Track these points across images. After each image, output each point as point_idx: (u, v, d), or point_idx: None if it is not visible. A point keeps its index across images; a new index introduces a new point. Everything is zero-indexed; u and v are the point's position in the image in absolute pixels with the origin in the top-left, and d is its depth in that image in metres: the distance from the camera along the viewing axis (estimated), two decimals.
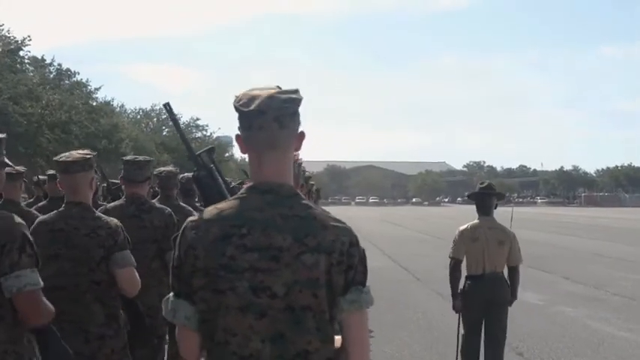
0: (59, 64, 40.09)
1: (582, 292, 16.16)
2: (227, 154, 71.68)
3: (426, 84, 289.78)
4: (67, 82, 40.69)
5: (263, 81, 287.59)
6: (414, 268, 20.61)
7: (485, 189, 7.98)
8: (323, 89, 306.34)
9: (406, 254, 25.30)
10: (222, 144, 73.76)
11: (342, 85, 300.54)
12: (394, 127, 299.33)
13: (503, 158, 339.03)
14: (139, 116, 60.90)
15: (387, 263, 22.50)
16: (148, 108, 62.05)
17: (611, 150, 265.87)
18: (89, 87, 41.67)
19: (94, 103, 41.69)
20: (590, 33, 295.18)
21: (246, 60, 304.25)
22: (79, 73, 40.97)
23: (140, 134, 50.87)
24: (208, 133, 66.71)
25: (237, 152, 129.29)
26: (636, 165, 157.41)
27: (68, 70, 40.16)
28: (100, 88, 42.41)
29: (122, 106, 53.84)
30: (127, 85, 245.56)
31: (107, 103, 43.31)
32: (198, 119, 64.88)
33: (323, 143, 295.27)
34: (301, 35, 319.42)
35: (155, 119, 62.26)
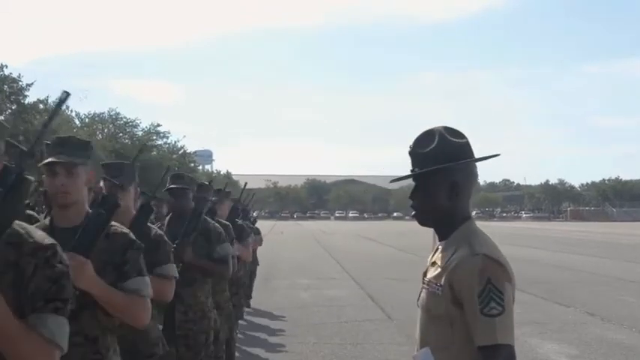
0: None
1: (623, 340, 11.16)
2: (193, 165, 66.33)
3: (408, 99, 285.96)
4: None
5: (244, 95, 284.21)
6: (385, 300, 15.64)
7: None
8: (304, 103, 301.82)
9: (378, 278, 20.30)
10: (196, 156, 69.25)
11: (323, 100, 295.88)
12: (376, 142, 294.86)
13: (486, 172, 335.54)
14: (87, 120, 55.27)
15: (351, 292, 17.46)
16: (103, 112, 56.63)
17: (594, 166, 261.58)
18: (20, 83, 36.14)
19: (26, 102, 36.36)
20: (573, 51, 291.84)
21: (228, 74, 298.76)
22: (6, 66, 35.37)
23: (88, 139, 45.24)
24: (171, 141, 61.31)
25: (210, 166, 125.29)
26: (624, 179, 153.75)
27: None
28: (32, 84, 36.82)
29: (69, 108, 48.19)
30: (111, 98, 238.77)
31: (41, 102, 37.57)
32: (159, 125, 59.24)
33: (304, 157, 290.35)
34: (283, 50, 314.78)
35: (111, 125, 56.81)
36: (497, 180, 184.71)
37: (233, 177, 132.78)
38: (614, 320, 12.97)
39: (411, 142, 2.86)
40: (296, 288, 18.12)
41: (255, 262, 13.44)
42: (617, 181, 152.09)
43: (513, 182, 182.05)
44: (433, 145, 2.78)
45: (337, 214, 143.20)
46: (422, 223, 2.90)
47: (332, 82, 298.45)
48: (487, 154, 2.95)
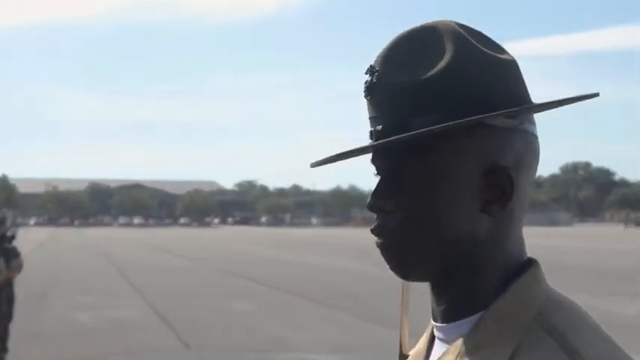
0: None
1: None
2: None
3: (192, 103, 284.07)
4: None
5: (23, 95, 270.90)
6: (180, 323, 13.54)
7: None
8: (89, 104, 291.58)
9: (170, 295, 18.13)
10: None
11: (104, 102, 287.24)
12: (163, 146, 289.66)
13: (275, 177, 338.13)
14: None
15: (140, 312, 15.19)
16: None
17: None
18: None
19: None
20: (359, 54, 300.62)
21: (5, 71, 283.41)
22: None
23: None
24: None
25: None
26: None
27: None
28: None
29: None
30: None
31: None
32: None
33: (86, 161, 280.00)
34: (62, 47, 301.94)
35: None
36: (287, 185, 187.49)
37: (9, 181, 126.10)
38: None
39: (371, 62, 1.08)
40: (74, 309, 15.59)
41: (11, 297, 9.99)
42: None
43: (303, 187, 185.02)
44: (443, 64, 1.02)
45: (121, 221, 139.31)
46: (406, 274, 1.06)
47: (114, 83, 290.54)
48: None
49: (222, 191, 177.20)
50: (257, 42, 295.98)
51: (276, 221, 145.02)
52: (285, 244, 51.24)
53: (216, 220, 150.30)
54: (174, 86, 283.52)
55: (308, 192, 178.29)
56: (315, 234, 79.88)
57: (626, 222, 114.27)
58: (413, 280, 1.07)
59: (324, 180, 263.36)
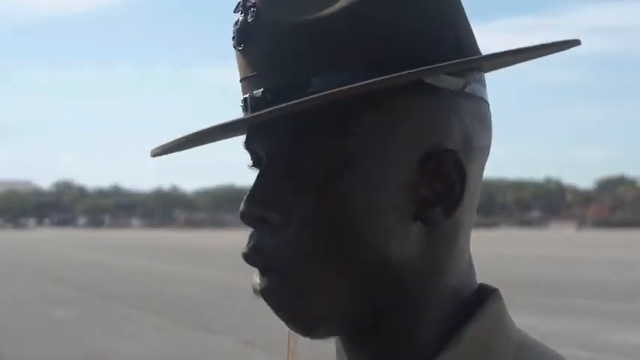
0: None
1: None
2: None
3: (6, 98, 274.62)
4: None
5: None
6: None
7: None
8: None
9: None
10: None
11: None
12: None
13: (94, 177, 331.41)
14: None
15: None
16: None
17: (208, 172, 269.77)
18: None
19: None
20: (186, 53, 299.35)
21: None
22: None
23: None
24: None
25: None
26: (237, 185, 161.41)
27: None
28: None
29: None
30: None
31: None
32: None
33: None
34: None
35: None
36: (106, 186, 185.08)
37: None
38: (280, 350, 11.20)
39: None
40: None
41: None
42: (231, 188, 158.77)
43: (124, 188, 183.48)
44: None
45: None
46: (310, 325, 0.69)
47: None
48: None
49: (38, 192, 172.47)
50: (74, 37, 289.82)
51: (95, 223, 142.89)
52: (104, 246, 50.02)
53: (33, 222, 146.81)
54: None
55: (128, 193, 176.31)
56: (136, 236, 78.48)
57: None
58: (322, 336, 0.70)
59: (146, 181, 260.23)
